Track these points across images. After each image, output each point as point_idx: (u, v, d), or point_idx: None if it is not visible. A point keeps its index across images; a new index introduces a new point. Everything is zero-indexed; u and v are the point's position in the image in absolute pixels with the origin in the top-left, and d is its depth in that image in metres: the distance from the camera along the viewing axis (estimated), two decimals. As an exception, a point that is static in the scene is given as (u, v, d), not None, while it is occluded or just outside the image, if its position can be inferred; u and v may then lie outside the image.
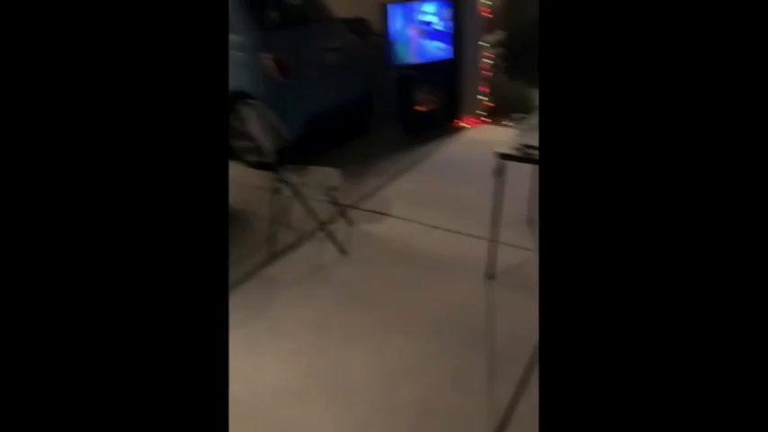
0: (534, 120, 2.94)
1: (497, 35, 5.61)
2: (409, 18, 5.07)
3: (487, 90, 5.72)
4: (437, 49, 5.25)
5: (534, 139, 2.63)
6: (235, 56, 4.03)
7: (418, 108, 5.37)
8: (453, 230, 3.43)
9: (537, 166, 2.43)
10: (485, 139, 5.19)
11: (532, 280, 2.86)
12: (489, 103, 5.86)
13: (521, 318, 2.47)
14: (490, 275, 2.89)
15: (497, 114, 5.91)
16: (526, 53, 5.48)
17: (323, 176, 3.23)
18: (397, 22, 5.06)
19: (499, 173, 2.62)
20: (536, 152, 2.49)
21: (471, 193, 3.82)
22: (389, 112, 5.67)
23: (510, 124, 5.19)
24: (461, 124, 5.75)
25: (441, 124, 5.55)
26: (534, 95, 6.07)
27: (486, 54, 5.50)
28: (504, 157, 2.55)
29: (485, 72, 5.63)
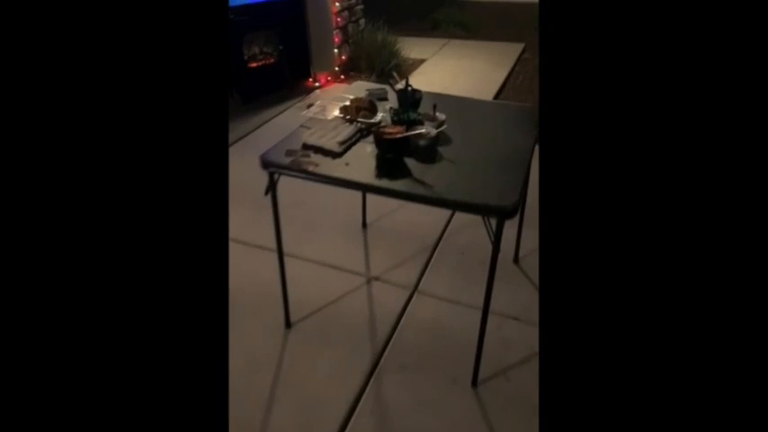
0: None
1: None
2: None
3: (341, 40, 4.81)
4: (274, -11, 4.21)
5: (334, 137, 1.84)
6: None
7: (251, 64, 4.37)
8: (250, 244, 2.63)
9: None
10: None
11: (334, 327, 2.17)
12: (345, 56, 4.97)
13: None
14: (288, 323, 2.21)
15: (357, 69, 5.06)
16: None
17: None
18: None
19: (268, 191, 1.82)
20: (328, 158, 1.72)
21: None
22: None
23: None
24: (314, 84, 4.83)
25: (283, 84, 4.60)
26: (398, 43, 5.25)
27: (337, -5, 4.55)
28: (272, 166, 1.76)
29: (338, 17, 4.69)
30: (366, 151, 1.82)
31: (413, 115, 1.97)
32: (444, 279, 2.45)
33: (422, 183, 1.60)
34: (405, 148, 1.77)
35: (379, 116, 1.99)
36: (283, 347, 2.13)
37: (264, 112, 4.23)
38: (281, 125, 3.91)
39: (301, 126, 1.99)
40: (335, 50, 4.78)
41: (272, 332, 2.19)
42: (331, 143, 1.83)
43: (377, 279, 2.49)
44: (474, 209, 1.54)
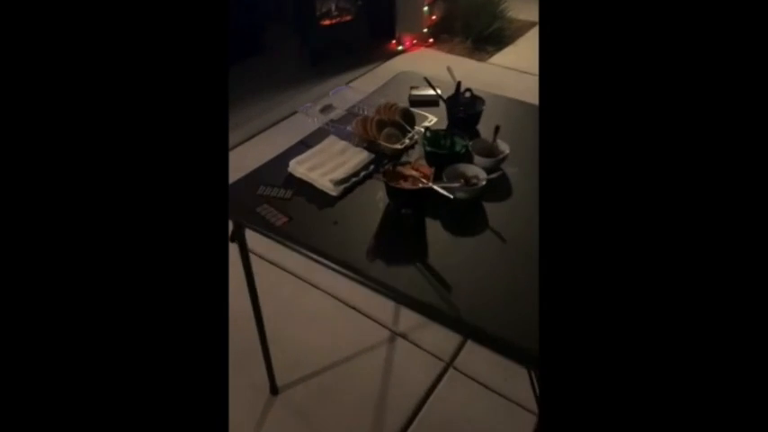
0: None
1: None
2: None
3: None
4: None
5: (334, 170, 1.26)
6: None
7: (324, 22, 3.77)
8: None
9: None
10: (425, 71, 3.61)
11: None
12: (437, 16, 4.20)
13: None
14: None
15: (450, 32, 4.27)
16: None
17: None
18: None
19: (234, 238, 1.29)
20: (314, 205, 1.15)
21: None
22: (291, 26, 4.09)
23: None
24: (397, 47, 4.15)
25: (360, 46, 3.93)
26: (504, 2, 4.34)
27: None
28: (233, 213, 1.20)
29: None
30: (375, 198, 1.23)
31: (459, 145, 1.32)
32: (485, 358, 1.82)
33: (435, 278, 1.00)
34: (425, 204, 1.17)
35: (413, 136, 1.37)
36: (258, 427, 1.68)
37: (335, 77, 3.68)
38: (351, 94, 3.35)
39: (300, 143, 1.43)
40: (425, 8, 4.03)
41: (249, 401, 1.71)
42: (323, 180, 1.26)
43: (404, 337, 1.91)
44: (510, 351, 0.92)
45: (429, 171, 1.19)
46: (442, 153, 1.29)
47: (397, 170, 1.22)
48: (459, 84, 1.49)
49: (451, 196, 1.10)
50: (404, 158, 1.35)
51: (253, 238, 1.24)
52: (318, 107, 1.54)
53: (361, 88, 1.68)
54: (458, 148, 1.32)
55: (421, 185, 1.14)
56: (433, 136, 1.34)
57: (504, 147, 1.30)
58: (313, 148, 1.36)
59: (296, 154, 1.34)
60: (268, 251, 2.18)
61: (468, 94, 1.48)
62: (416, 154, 1.36)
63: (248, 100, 3.42)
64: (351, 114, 1.52)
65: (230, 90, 3.53)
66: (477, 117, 1.44)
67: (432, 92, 1.56)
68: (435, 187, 1.12)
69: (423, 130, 1.37)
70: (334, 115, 1.53)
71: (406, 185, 1.17)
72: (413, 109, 1.48)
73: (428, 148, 1.29)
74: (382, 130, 1.37)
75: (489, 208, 1.21)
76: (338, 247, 1.09)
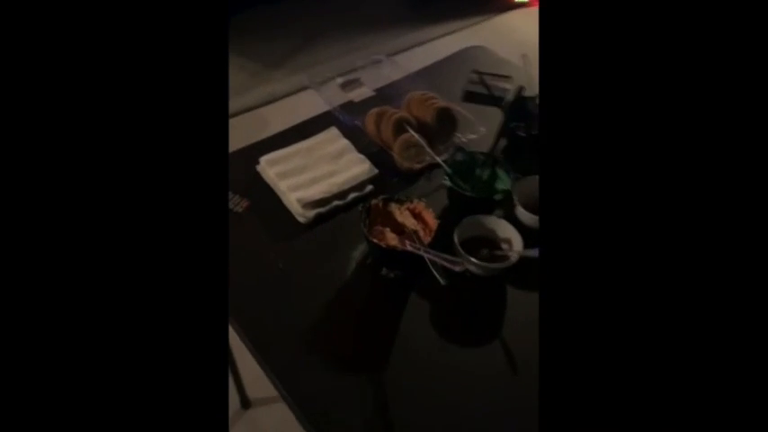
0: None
1: None
2: None
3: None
4: None
5: (315, 182, 0.89)
6: None
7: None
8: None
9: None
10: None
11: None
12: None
13: None
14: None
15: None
16: None
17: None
18: None
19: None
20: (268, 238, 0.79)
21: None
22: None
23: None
24: (518, -4, 3.49)
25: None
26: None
27: None
28: None
29: None
30: (352, 245, 0.85)
31: (501, 183, 0.89)
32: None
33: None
34: (415, 268, 0.76)
35: (445, 152, 0.95)
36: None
37: (431, 26, 3.17)
38: (448, 47, 2.86)
39: (294, 129, 1.04)
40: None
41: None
42: (291, 196, 0.88)
43: None
44: None
45: (432, 223, 0.79)
46: (466, 195, 0.85)
47: (388, 208, 0.82)
48: (521, 89, 1.01)
49: (443, 282, 0.70)
50: (415, 186, 0.94)
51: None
52: (340, 80, 1.15)
53: (406, 64, 1.24)
54: (498, 188, 0.88)
55: (410, 248, 0.74)
56: (465, 160, 0.91)
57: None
58: (297, 144, 0.98)
59: (276, 146, 0.98)
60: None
61: (531, 103, 1.01)
62: (436, 182, 0.94)
63: (329, 36, 3.05)
64: (380, 98, 1.12)
65: (306, 24, 3.19)
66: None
67: (495, 93, 1.09)
68: (427, 258, 0.72)
69: (452, 153, 0.93)
70: (355, 95, 1.13)
71: (390, 238, 0.78)
72: (461, 108, 1.04)
73: (447, 182, 0.86)
74: (400, 135, 0.96)
75: (515, 296, 0.80)
76: (261, 319, 0.74)
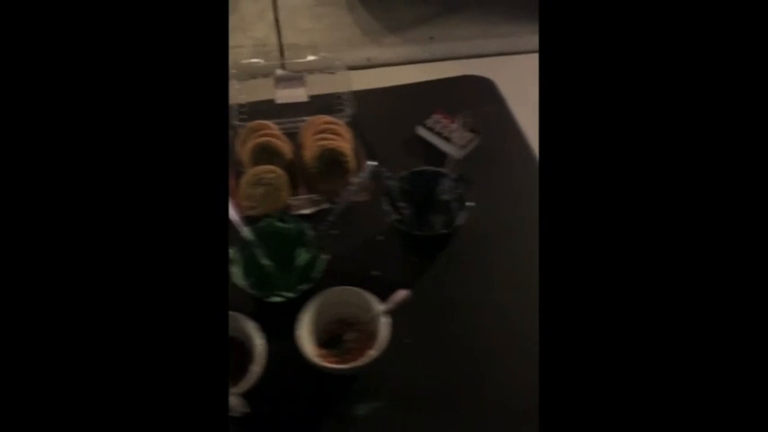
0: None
1: None
2: None
3: None
4: None
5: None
6: None
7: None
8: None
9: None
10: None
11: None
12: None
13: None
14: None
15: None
16: None
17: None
18: None
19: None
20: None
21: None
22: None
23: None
24: None
25: None
26: None
27: None
28: None
29: None
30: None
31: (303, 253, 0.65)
32: None
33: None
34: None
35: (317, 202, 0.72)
36: None
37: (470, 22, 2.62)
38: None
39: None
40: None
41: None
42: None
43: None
44: None
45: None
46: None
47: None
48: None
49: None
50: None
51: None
52: (280, 73, 0.94)
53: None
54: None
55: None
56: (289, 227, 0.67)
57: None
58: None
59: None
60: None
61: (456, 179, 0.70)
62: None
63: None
64: (306, 108, 0.89)
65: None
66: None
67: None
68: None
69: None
70: (285, 95, 0.91)
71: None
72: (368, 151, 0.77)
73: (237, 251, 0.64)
74: (257, 165, 0.74)
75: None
76: None
